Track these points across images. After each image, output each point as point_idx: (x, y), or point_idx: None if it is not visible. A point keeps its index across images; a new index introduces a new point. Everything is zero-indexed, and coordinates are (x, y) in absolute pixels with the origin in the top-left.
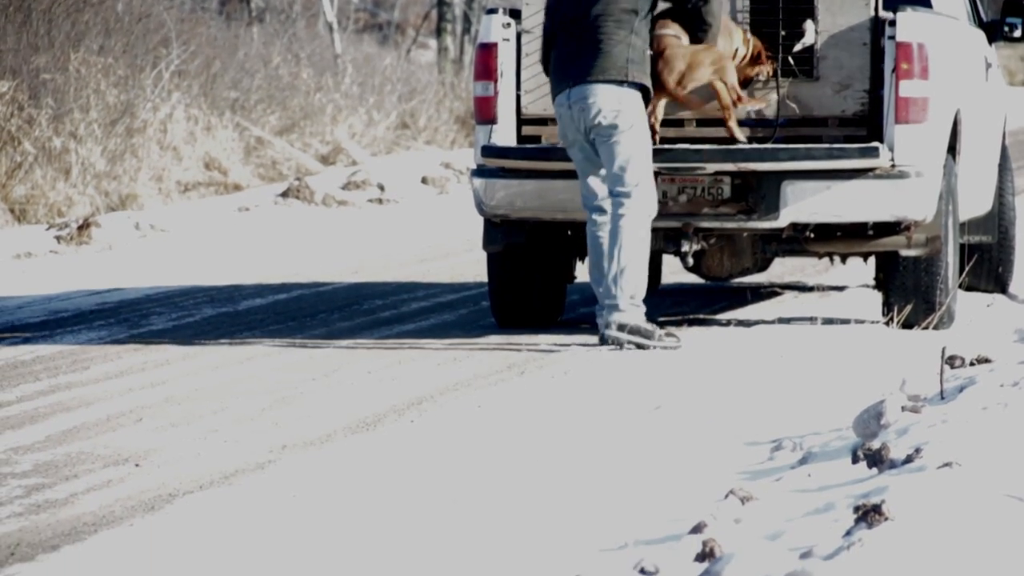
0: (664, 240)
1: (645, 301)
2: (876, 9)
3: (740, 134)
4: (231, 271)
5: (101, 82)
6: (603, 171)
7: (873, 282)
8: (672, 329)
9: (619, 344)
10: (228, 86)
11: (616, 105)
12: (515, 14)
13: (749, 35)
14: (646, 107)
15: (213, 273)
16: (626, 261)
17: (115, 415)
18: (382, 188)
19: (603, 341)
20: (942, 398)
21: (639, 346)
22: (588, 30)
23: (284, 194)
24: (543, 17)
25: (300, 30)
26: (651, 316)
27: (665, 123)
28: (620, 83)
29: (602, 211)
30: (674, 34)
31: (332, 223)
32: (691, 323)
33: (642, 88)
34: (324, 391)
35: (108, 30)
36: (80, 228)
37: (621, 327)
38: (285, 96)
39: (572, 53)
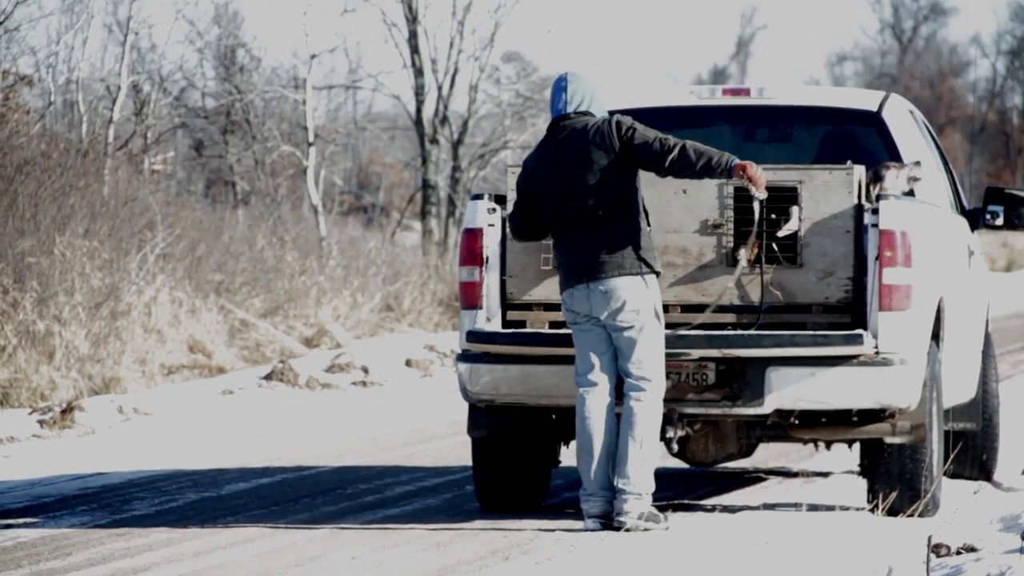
0: None
1: None
2: (859, 197)
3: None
4: (214, 455)
5: (86, 265)
6: (598, 348)
7: (858, 468)
8: (661, 514)
9: (637, 530)
10: (213, 269)
11: (637, 298)
12: (500, 199)
13: None
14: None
15: (196, 457)
16: (646, 450)
17: None
18: (366, 371)
19: (618, 528)
20: None
21: (647, 530)
22: (592, 224)
23: (268, 377)
24: (519, 182)
25: (285, 213)
26: None
27: None
28: (636, 274)
29: (593, 385)
30: None
31: (316, 406)
32: (676, 508)
33: (654, 269)
34: None
35: (94, 214)
36: (63, 412)
37: (641, 515)
38: (270, 278)
39: (583, 248)
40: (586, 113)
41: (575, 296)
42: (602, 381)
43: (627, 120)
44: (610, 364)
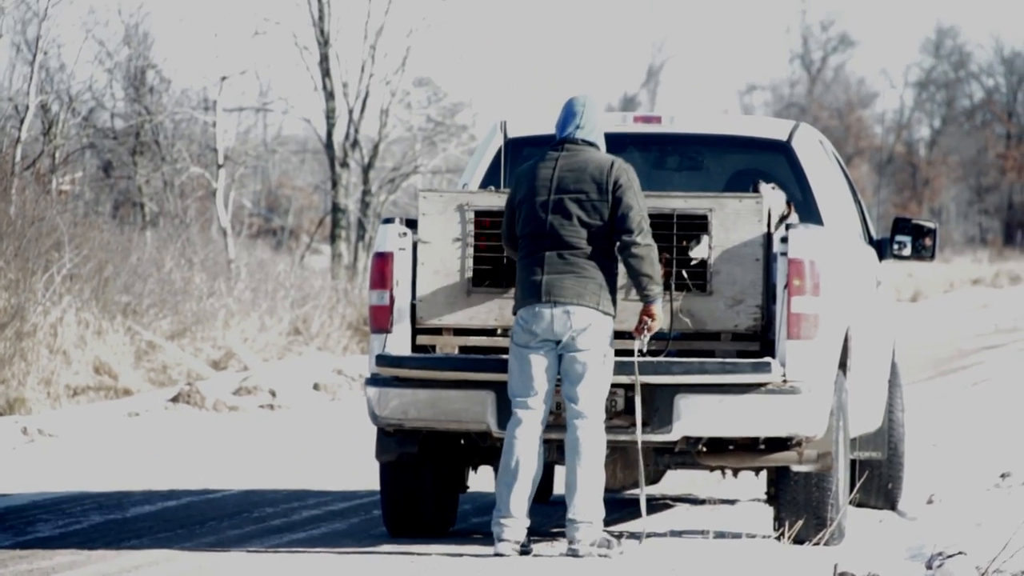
0: (557, 451)
1: (538, 511)
2: (768, 225)
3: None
4: (120, 477)
5: None
6: (543, 375)
7: (765, 496)
8: (614, 539)
9: (592, 556)
10: (120, 290)
11: (597, 329)
12: (411, 224)
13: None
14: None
15: (102, 479)
16: (594, 478)
17: None
18: (273, 394)
19: (572, 555)
20: None
21: (602, 556)
22: (566, 248)
23: (174, 399)
24: (511, 190)
25: (194, 235)
26: (543, 527)
27: None
28: (598, 309)
29: (531, 410)
30: None
31: (223, 429)
32: None
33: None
34: None
35: (0, 234)
36: None
37: (593, 542)
38: (177, 300)
39: (553, 269)
40: (591, 144)
41: (538, 314)
42: (539, 408)
43: (627, 174)
44: (550, 394)
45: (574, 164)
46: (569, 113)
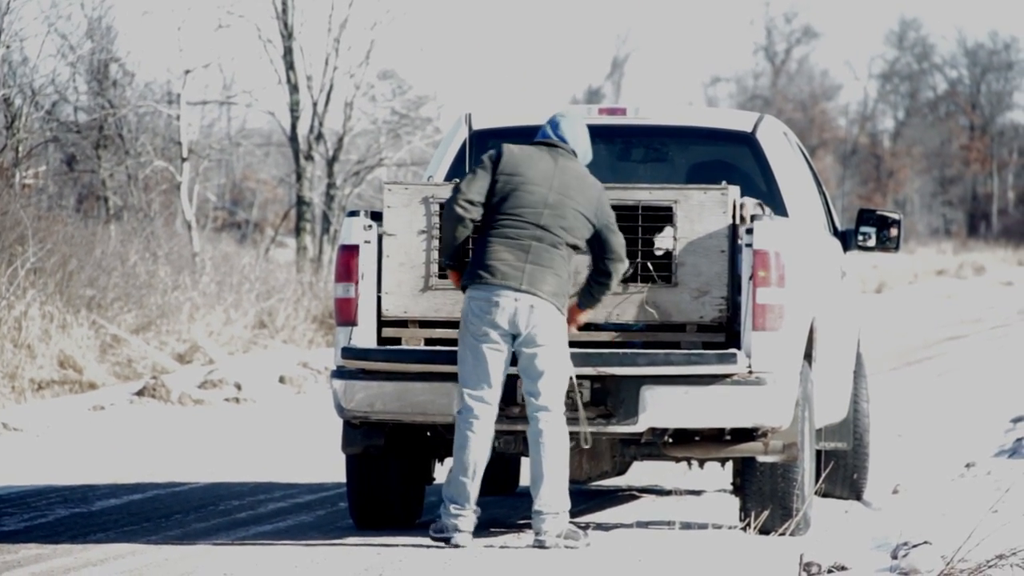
0: (522, 444)
1: (503, 504)
2: (734, 217)
3: None
4: (85, 471)
5: None
6: (499, 369)
7: (731, 487)
8: (581, 530)
9: (558, 548)
10: (84, 284)
11: (557, 325)
12: (376, 216)
13: None
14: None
15: (67, 473)
16: (559, 470)
17: None
18: (239, 387)
19: (539, 547)
20: None
21: (568, 547)
22: (545, 243)
23: (139, 393)
24: (496, 160)
25: (158, 228)
26: (509, 519)
27: None
28: (558, 309)
29: (486, 404)
30: None
31: (188, 422)
32: None
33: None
34: None
35: None
36: None
37: (560, 533)
38: (142, 294)
39: (528, 257)
40: (575, 154)
41: (498, 304)
42: (493, 402)
43: (608, 203)
44: (500, 389)
45: (578, 173)
46: (553, 124)
